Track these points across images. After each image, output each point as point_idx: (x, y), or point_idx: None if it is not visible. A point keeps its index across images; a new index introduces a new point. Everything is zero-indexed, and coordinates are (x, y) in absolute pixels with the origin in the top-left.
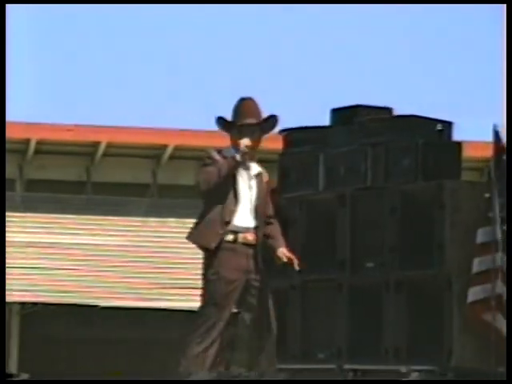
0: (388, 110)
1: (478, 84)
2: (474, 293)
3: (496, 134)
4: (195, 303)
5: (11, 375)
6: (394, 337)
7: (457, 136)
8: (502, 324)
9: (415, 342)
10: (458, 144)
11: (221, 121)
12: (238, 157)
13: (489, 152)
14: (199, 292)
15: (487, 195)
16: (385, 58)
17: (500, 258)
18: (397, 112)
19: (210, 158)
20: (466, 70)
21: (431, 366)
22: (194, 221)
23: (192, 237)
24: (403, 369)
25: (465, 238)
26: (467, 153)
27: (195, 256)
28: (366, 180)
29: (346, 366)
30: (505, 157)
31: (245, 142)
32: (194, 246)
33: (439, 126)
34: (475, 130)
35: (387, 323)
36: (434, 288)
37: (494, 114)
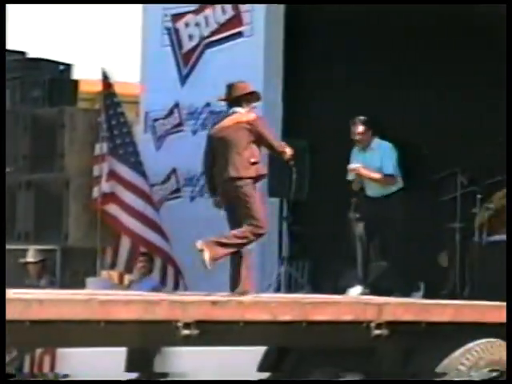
0: (22, 53)
1: (92, 33)
2: (95, 191)
3: (104, 74)
4: None
5: (11, 375)
6: (24, 224)
7: (75, 75)
8: (117, 213)
9: (41, 228)
10: (76, 81)
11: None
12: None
13: (98, 87)
14: None
15: (99, 119)
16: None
17: (107, 165)
18: (30, 55)
19: None
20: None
21: (53, 246)
22: None
23: None
24: (31, 248)
25: (81, 150)
26: (83, 88)
27: None
28: (5, 105)
29: None
30: (112, 90)
31: None
32: None
33: (61, 67)
34: (89, 71)
35: (20, 214)
36: (55, 187)
37: (103, 58)
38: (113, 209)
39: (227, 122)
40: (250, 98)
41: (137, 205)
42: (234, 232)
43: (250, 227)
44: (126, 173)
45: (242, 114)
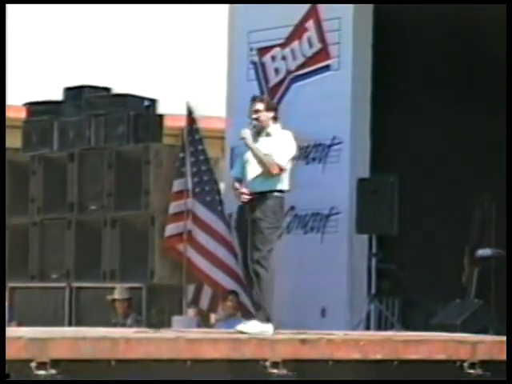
0: (107, 89)
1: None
2: (170, 229)
3: (188, 109)
4: None
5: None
6: (110, 262)
7: (160, 110)
8: (190, 252)
9: (126, 266)
10: (160, 116)
11: None
12: None
13: (183, 122)
14: None
15: (181, 155)
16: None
17: (190, 202)
18: (114, 91)
19: None
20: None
21: (139, 284)
22: None
23: None
24: (118, 286)
25: (165, 187)
26: (167, 123)
27: None
28: (90, 142)
29: (74, 284)
30: (195, 126)
31: None
32: None
33: (146, 102)
34: (173, 105)
35: (105, 251)
36: (141, 224)
37: (188, 93)
38: (187, 248)
39: None
40: None
41: (208, 244)
42: None
43: None
44: (201, 211)
45: None
